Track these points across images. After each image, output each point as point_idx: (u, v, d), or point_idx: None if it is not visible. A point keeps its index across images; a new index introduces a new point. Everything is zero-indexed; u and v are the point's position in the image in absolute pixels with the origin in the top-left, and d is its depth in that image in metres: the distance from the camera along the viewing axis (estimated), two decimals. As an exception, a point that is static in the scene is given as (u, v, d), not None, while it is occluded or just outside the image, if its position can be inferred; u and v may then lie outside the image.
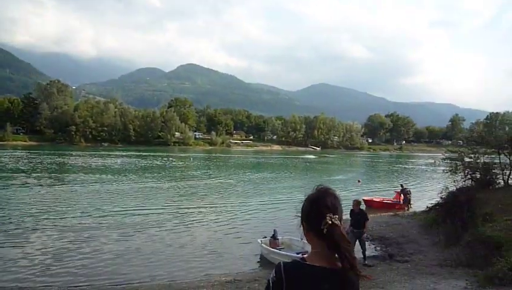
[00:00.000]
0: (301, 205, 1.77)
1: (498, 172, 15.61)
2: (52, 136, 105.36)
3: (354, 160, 79.78)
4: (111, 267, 10.44)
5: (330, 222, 1.61)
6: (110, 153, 71.29)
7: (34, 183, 26.15)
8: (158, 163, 51.71)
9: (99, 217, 16.36)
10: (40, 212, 16.95)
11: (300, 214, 1.77)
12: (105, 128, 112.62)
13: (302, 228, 1.76)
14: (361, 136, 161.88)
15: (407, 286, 7.70)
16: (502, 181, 15.43)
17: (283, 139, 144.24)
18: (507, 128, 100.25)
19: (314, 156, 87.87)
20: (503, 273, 7.32)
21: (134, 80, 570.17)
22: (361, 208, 11.43)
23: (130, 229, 14.45)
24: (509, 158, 15.43)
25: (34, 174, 31.53)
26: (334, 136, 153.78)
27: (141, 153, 72.43)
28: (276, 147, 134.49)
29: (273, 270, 1.65)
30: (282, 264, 1.65)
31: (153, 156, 66.36)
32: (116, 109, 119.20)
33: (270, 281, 1.63)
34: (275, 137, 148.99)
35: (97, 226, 14.67)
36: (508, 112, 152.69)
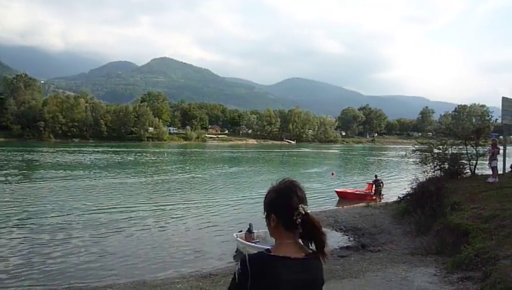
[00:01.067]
0: (265, 198, 1.80)
1: (465, 162, 16.15)
2: (19, 132, 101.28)
3: (328, 153, 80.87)
4: (84, 266, 10.19)
5: (304, 212, 1.68)
6: (81, 149, 69.43)
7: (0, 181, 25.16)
8: (131, 159, 50.77)
9: (71, 215, 15.92)
10: (8, 212, 16.32)
11: (267, 207, 1.78)
12: (76, 124, 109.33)
13: (269, 220, 1.76)
14: (335, 129, 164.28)
15: (379, 274, 7.86)
16: (469, 171, 15.99)
17: (258, 133, 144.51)
18: (474, 120, 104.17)
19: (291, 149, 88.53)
20: (470, 259, 7.59)
21: (105, 74, 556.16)
22: None
23: (103, 227, 14.12)
24: (475, 149, 15.99)
25: (1, 172, 30.33)
26: (309, 129, 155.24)
27: (114, 149, 70.93)
28: (251, 141, 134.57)
29: (239, 263, 1.65)
30: (247, 256, 1.65)
31: (125, 151, 65.11)
32: (87, 104, 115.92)
33: (236, 274, 1.64)
34: (250, 131, 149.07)
35: (69, 226, 14.26)
36: (474, 104, 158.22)
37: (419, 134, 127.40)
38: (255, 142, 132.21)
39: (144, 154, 60.88)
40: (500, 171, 14.31)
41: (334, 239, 12.15)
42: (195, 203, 19.46)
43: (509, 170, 15.68)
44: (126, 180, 27.91)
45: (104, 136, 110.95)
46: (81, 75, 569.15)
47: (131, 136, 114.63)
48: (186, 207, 18.24)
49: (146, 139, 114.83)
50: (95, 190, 22.88)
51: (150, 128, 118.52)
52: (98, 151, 62.69)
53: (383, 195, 21.31)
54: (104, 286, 8.72)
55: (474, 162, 16.05)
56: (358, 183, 26.70)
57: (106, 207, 17.77)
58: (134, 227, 14.23)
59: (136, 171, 34.89)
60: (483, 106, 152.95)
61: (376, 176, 22.36)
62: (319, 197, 21.82)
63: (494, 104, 18.78)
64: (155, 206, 18.41)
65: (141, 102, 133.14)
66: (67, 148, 69.51)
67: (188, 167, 39.92)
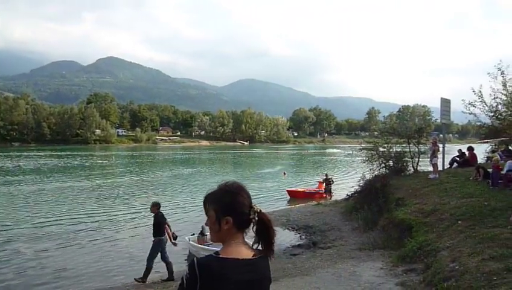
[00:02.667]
0: (215, 202, 1.73)
1: (408, 160, 17.00)
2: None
3: (281, 153, 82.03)
4: (22, 280, 9.47)
5: (259, 211, 1.71)
6: (22, 153, 64.98)
7: None
8: (76, 162, 48.33)
9: (8, 225, 14.80)
10: None
11: (217, 210, 1.71)
12: (16, 127, 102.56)
13: (220, 224, 1.70)
14: (287, 129, 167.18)
15: (329, 270, 8.04)
16: (412, 168, 16.85)
17: (211, 134, 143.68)
18: (416, 120, 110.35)
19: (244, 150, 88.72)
20: (413, 252, 7.97)
21: (48, 74, 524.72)
22: (161, 211, 9.41)
23: (44, 237, 13.26)
24: (417, 147, 16.88)
25: None
26: (262, 130, 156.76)
27: (58, 153, 67.08)
28: (204, 143, 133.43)
29: (187, 267, 1.60)
30: (195, 260, 1.60)
31: (70, 155, 61.83)
32: (27, 106, 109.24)
33: (184, 279, 1.59)
34: (203, 133, 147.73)
35: (5, 237, 13.23)
36: (417, 104, 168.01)
37: (366, 133, 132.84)
38: (208, 144, 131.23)
39: (90, 157, 58.29)
40: (440, 168, 15.20)
41: (286, 238, 12.31)
42: (144, 207, 18.77)
43: (448, 166, 16.70)
44: (70, 185, 26.46)
45: (47, 139, 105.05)
46: (22, 75, 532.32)
47: (77, 139, 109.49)
48: (135, 212, 17.59)
49: (93, 142, 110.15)
50: (35, 197, 21.50)
51: (97, 130, 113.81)
52: (40, 156, 59.05)
53: (333, 193, 21.94)
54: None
55: (417, 159, 16.95)
56: (309, 183, 27.28)
57: (48, 215, 16.72)
58: (79, 236, 13.42)
59: (82, 175, 33.24)
60: (424, 106, 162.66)
61: (326, 175, 22.97)
62: (272, 197, 22.04)
63: (436, 104, 19.98)
64: (101, 212, 17.53)
65: (87, 103, 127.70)
66: (6, 153, 64.81)
67: (137, 170, 38.72)
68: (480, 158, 18.21)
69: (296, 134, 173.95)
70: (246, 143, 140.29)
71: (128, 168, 40.99)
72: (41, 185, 26.07)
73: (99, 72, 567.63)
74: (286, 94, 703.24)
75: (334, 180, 23.08)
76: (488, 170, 11.82)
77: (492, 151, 17.90)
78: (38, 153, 65.13)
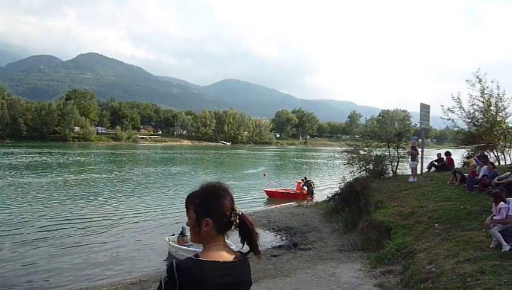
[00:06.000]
0: (196, 203, 1.71)
1: (388, 163, 17.32)
2: None
3: (262, 154, 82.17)
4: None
5: (241, 213, 1.70)
6: (-4, 149, 63.13)
7: None
8: (52, 160, 47.15)
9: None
10: None
11: (198, 211, 1.69)
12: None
13: (201, 225, 1.68)
14: (270, 131, 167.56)
15: (309, 272, 8.10)
16: (391, 171, 17.16)
17: (193, 134, 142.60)
18: (396, 124, 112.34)
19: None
20: (391, 254, 8.12)
21: (25, 69, 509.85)
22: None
23: (21, 235, 12.91)
24: (396, 151, 17.21)
25: None
26: (244, 131, 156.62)
27: (34, 150, 65.39)
28: (186, 142, 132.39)
29: (165, 270, 1.56)
30: (174, 263, 1.57)
31: (47, 152, 60.33)
32: (3, 101, 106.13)
33: (162, 282, 1.55)
34: (185, 132, 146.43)
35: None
36: (397, 109, 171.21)
37: (348, 136, 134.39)
38: (190, 144, 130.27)
39: (67, 155, 56.94)
40: (418, 172, 15.52)
41: (267, 239, 12.32)
42: (123, 207, 18.55)
43: (427, 170, 17.07)
44: (46, 182, 25.82)
45: (24, 135, 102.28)
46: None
47: (55, 136, 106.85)
48: (113, 212, 17.25)
49: (71, 139, 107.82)
50: (9, 194, 20.89)
51: (76, 127, 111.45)
52: (14, 153, 57.38)
53: (313, 195, 22.11)
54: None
55: (396, 163, 17.27)
56: (289, 184, 27.40)
57: (24, 213, 16.27)
58: (55, 234, 13.13)
59: (58, 173, 32.45)
60: (404, 110, 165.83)
61: (305, 178, 23.19)
62: (251, 198, 22.05)
63: (415, 109, 20.41)
64: (77, 212, 17.08)
65: (66, 99, 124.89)
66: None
67: (116, 169, 38.05)
68: (457, 163, 18.70)
69: (278, 135, 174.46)
70: (228, 144, 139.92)
71: (106, 167, 40.29)
72: (16, 181, 25.33)
73: (79, 67, 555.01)
74: (269, 95, 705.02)
75: (313, 182, 23.25)
76: (465, 174, 12.15)
77: (468, 157, 18.37)
78: (14, 150, 63.34)
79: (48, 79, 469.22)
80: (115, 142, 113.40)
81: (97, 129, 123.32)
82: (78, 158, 51.66)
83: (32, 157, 50.10)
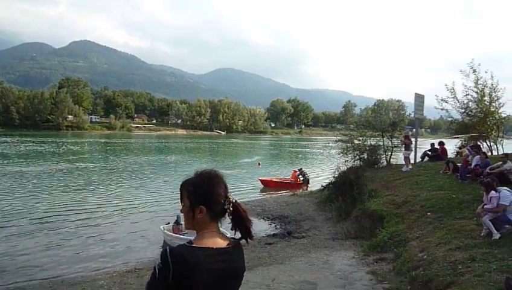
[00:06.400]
0: (190, 190, 1.72)
1: (382, 153, 17.43)
2: None
3: (257, 143, 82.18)
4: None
5: (234, 201, 1.71)
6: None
7: None
8: (46, 149, 46.85)
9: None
10: None
11: (191, 198, 1.71)
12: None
13: (194, 212, 1.70)
14: (265, 120, 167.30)
15: (303, 259, 8.19)
16: (385, 161, 17.28)
17: (188, 123, 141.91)
18: (391, 114, 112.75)
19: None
20: (384, 242, 8.24)
21: (17, 56, 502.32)
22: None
23: (15, 223, 12.89)
24: (390, 140, 17.31)
25: None
26: (239, 120, 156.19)
27: (27, 139, 64.84)
28: (181, 132, 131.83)
29: (159, 257, 1.58)
30: (168, 249, 1.59)
31: (40, 141, 59.86)
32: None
33: (156, 268, 1.57)
34: (179, 121, 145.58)
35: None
36: (391, 99, 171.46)
37: (343, 126, 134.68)
38: (185, 133, 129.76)
39: (61, 143, 56.55)
40: (412, 161, 15.65)
41: (262, 227, 12.41)
42: (118, 196, 18.51)
43: (420, 160, 17.21)
44: (40, 170, 25.69)
45: (16, 124, 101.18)
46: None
47: (48, 124, 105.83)
48: (108, 201, 17.22)
49: (64, 128, 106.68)
50: (1, 183, 20.79)
51: (69, 116, 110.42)
52: (8, 142, 56.90)
53: (309, 184, 22.24)
54: (16, 288, 7.98)
55: (390, 153, 17.38)
56: (284, 173, 27.50)
57: (18, 203, 16.21)
58: (50, 224, 13.10)
59: (52, 162, 32.26)
60: (399, 100, 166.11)
61: (301, 169, 23.32)
62: (246, 187, 22.13)
63: (410, 99, 20.48)
64: (72, 200, 17.08)
65: (59, 88, 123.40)
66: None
67: (110, 158, 37.91)
68: (450, 153, 18.86)
69: (273, 125, 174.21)
70: (222, 133, 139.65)
71: (100, 156, 40.16)
72: (9, 170, 25.19)
73: (72, 55, 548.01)
74: (264, 84, 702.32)
75: (307, 173, 23.36)
76: (458, 164, 12.27)
77: (461, 147, 18.54)
78: (6, 139, 62.79)
79: (40, 67, 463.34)
80: (109, 131, 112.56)
81: (91, 118, 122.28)
82: (71, 147, 51.36)
83: (25, 146, 49.66)
